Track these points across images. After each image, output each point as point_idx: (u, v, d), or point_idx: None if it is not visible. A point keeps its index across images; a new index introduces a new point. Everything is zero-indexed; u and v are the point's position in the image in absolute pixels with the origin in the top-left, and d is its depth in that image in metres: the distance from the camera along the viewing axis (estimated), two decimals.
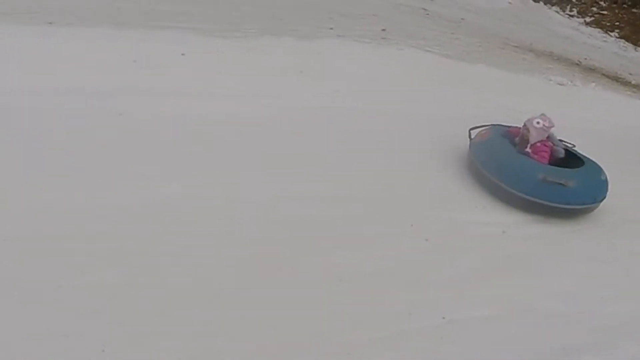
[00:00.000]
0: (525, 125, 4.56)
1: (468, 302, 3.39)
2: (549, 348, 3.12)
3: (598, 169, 4.48)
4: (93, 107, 4.18)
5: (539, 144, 4.50)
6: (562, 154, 4.58)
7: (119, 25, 5.46)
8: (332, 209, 3.82)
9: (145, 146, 3.99)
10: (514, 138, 4.68)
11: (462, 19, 8.41)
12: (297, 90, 5.36)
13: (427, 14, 8.30)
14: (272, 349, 2.82)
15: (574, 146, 4.76)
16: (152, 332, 2.77)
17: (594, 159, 4.56)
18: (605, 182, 4.44)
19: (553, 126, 4.52)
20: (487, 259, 3.79)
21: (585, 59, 8.95)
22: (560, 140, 4.70)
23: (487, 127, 4.89)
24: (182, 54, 5.19)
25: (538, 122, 4.48)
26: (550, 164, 4.50)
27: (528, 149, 4.51)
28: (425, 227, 3.86)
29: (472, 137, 4.86)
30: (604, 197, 4.43)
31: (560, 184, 4.26)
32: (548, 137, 4.55)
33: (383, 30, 7.13)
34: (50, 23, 5.49)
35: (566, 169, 4.41)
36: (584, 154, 4.63)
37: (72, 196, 3.49)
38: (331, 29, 6.88)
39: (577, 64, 8.58)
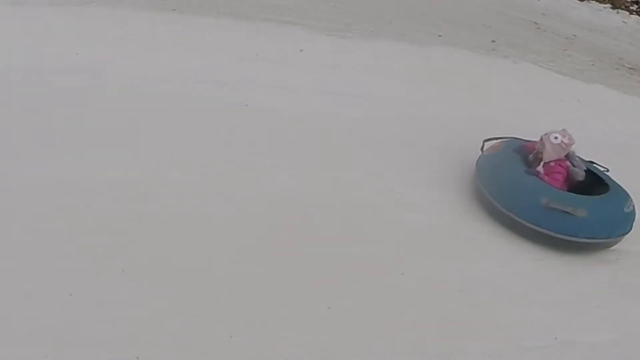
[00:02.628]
0: (541, 139, 3.99)
1: (580, 325, 3.33)
2: None
3: (623, 199, 3.87)
4: (220, 96, 4.35)
5: (553, 164, 3.94)
6: (581, 176, 3.96)
7: (240, 17, 5.62)
8: (447, 214, 3.83)
9: (267, 138, 4.13)
10: (527, 154, 4.13)
11: (574, 35, 8.12)
12: (406, 95, 5.36)
13: (538, 28, 8.08)
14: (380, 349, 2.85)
15: (607, 170, 4.14)
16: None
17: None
18: (630, 214, 3.84)
19: (573, 143, 3.96)
20: (600, 283, 3.71)
21: None
22: (591, 162, 4.14)
23: (501, 140, 4.35)
24: (300, 50, 5.29)
25: (556, 137, 3.92)
26: (569, 188, 3.95)
27: (540, 168, 3.94)
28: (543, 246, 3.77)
29: (484, 150, 4.36)
30: (625, 232, 3.84)
31: (567, 212, 3.69)
32: (567, 156, 3.99)
33: (493, 41, 7.00)
34: (174, 10, 5.74)
35: (579, 196, 3.84)
36: (617, 181, 4.03)
37: (194, 178, 3.69)
38: (440, 36, 6.82)
39: None
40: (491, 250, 3.73)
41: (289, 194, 3.79)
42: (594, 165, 4.17)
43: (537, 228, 3.78)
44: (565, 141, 3.92)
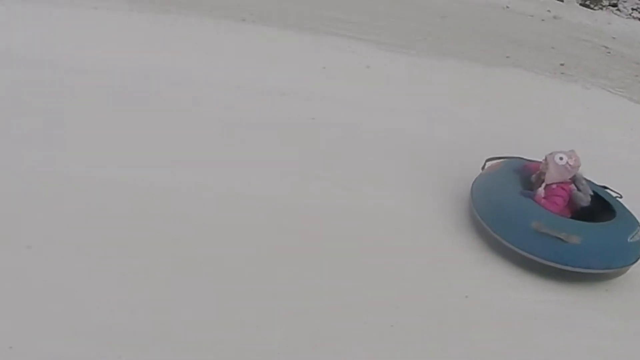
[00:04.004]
0: (545, 159, 3.71)
1: None
2: None
3: (629, 228, 3.54)
4: (289, 108, 4.39)
5: (555, 186, 3.64)
6: (585, 202, 3.66)
7: (307, 30, 5.69)
8: None
9: (328, 151, 4.18)
10: (530, 174, 3.86)
11: None
12: (469, 116, 5.28)
13: (609, 52, 7.85)
14: None
15: (620, 196, 3.83)
16: None
17: None
18: (635, 244, 3.49)
19: (579, 166, 3.67)
20: None
21: None
22: (604, 187, 3.87)
23: (502, 160, 4.08)
24: (367, 67, 5.29)
25: (561, 158, 3.62)
26: (573, 213, 3.66)
27: (541, 190, 3.64)
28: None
29: (484, 169, 4.09)
30: (629, 264, 3.51)
31: (559, 238, 3.37)
32: (573, 180, 3.70)
33: (562, 64, 6.84)
34: (244, 20, 5.84)
35: (574, 221, 3.55)
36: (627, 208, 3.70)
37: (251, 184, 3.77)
38: (507, 57, 6.72)
39: None
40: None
41: (343, 207, 3.78)
42: (606, 190, 3.88)
43: (527, 254, 3.49)
44: (571, 163, 3.65)
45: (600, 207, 3.75)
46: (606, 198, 3.81)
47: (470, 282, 3.44)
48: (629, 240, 3.49)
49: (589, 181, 3.81)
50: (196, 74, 4.80)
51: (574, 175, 3.71)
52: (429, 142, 4.62)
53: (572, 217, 3.65)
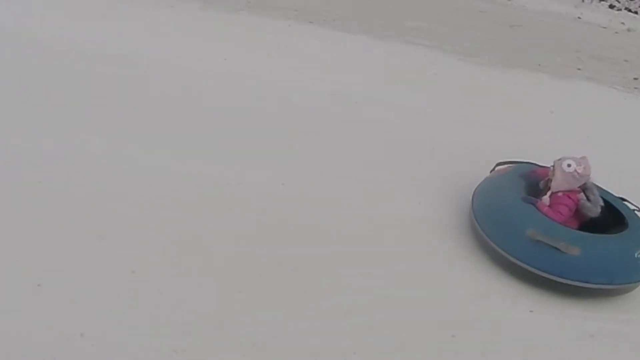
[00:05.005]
0: (553, 165, 3.47)
1: None
2: None
3: (638, 242, 3.24)
4: (356, 113, 4.39)
5: (561, 194, 3.40)
6: (593, 212, 3.39)
7: (376, 36, 5.68)
8: None
9: (398, 160, 4.15)
10: (538, 181, 3.60)
11: None
12: (536, 127, 5.15)
13: None
14: None
15: (638, 210, 3.56)
16: None
17: None
18: (639, 261, 3.18)
19: (588, 174, 3.41)
20: None
21: None
22: (622, 199, 3.57)
23: (511, 164, 3.84)
24: (435, 74, 5.24)
25: (569, 165, 3.36)
26: (581, 224, 3.39)
27: (546, 198, 3.42)
28: None
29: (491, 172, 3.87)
30: (634, 281, 3.24)
31: (556, 248, 3.12)
32: (582, 188, 3.44)
33: (635, 79, 6.61)
34: (311, 22, 5.88)
35: (575, 231, 3.29)
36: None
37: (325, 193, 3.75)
38: (579, 69, 6.53)
39: None
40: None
41: (412, 216, 3.73)
42: (624, 202, 3.59)
43: (520, 263, 3.25)
44: (579, 170, 3.37)
45: (615, 221, 3.47)
46: (621, 210, 3.53)
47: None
48: (636, 255, 3.21)
49: (606, 192, 3.59)
50: (279, 78, 4.84)
51: (585, 184, 3.46)
52: (492, 152, 4.51)
53: (580, 229, 3.39)
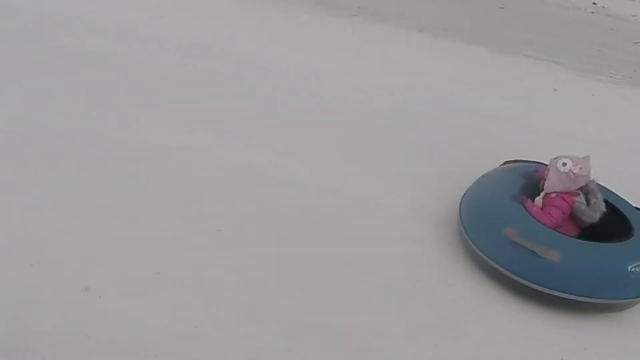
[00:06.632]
0: (549, 164, 3.14)
1: None
2: None
3: (637, 254, 2.86)
4: (470, 127, 4.29)
5: (555, 196, 3.07)
6: (590, 218, 3.04)
7: (500, 50, 5.53)
8: None
9: None
10: (539, 180, 3.22)
11: None
12: None
13: None
14: None
15: None
16: None
17: None
18: (636, 276, 2.79)
19: (584, 175, 3.04)
20: None
21: None
22: (638, 209, 3.17)
23: (515, 163, 3.51)
24: (555, 89, 5.02)
25: (564, 164, 3.03)
26: (580, 231, 3.07)
27: (538, 199, 3.10)
28: None
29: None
30: (623, 297, 2.85)
31: (533, 251, 2.79)
32: (585, 191, 3.10)
33: None
34: (421, 31, 5.79)
35: (561, 235, 2.93)
36: None
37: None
38: None
39: None
40: None
41: None
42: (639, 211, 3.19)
43: (495, 265, 2.96)
44: (575, 171, 3.03)
45: (626, 231, 3.06)
46: (629, 218, 3.11)
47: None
48: (629, 269, 2.82)
49: (621, 199, 3.22)
50: (389, 87, 4.79)
51: (588, 187, 3.12)
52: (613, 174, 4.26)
53: (582, 237, 3.04)
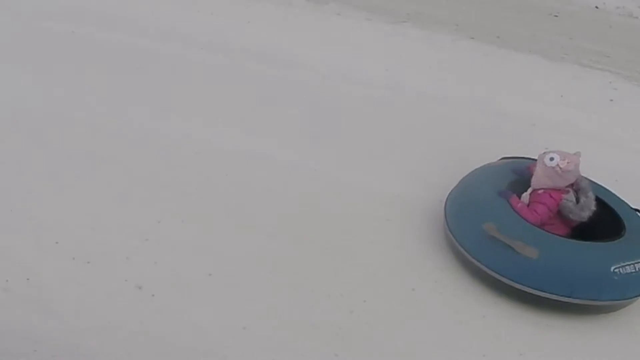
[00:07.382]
0: (537, 159, 3.03)
1: None
2: None
3: (623, 254, 2.73)
4: (530, 136, 4.21)
5: (542, 192, 2.96)
6: (578, 217, 2.93)
7: (551, 56, 5.43)
8: None
9: None
10: (530, 177, 3.10)
11: None
12: None
13: None
14: None
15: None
16: None
17: None
18: (620, 277, 2.68)
19: (571, 170, 2.93)
20: None
21: None
22: (637, 210, 3.05)
23: (511, 159, 3.40)
24: (610, 100, 4.89)
25: (552, 159, 2.92)
26: (571, 229, 2.96)
27: (525, 195, 3.01)
28: None
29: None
30: (607, 299, 2.74)
31: (510, 247, 2.73)
32: (575, 189, 2.98)
33: None
34: (472, 38, 5.72)
35: (543, 232, 2.82)
36: None
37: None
38: None
39: None
40: None
41: None
42: (638, 214, 3.07)
43: (473, 260, 2.90)
44: (562, 165, 2.91)
45: (617, 231, 2.95)
46: (622, 218, 3.00)
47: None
48: (612, 269, 2.71)
49: (619, 200, 3.12)
50: (440, 94, 4.75)
51: (579, 184, 3.02)
52: None
53: (574, 236, 2.95)
